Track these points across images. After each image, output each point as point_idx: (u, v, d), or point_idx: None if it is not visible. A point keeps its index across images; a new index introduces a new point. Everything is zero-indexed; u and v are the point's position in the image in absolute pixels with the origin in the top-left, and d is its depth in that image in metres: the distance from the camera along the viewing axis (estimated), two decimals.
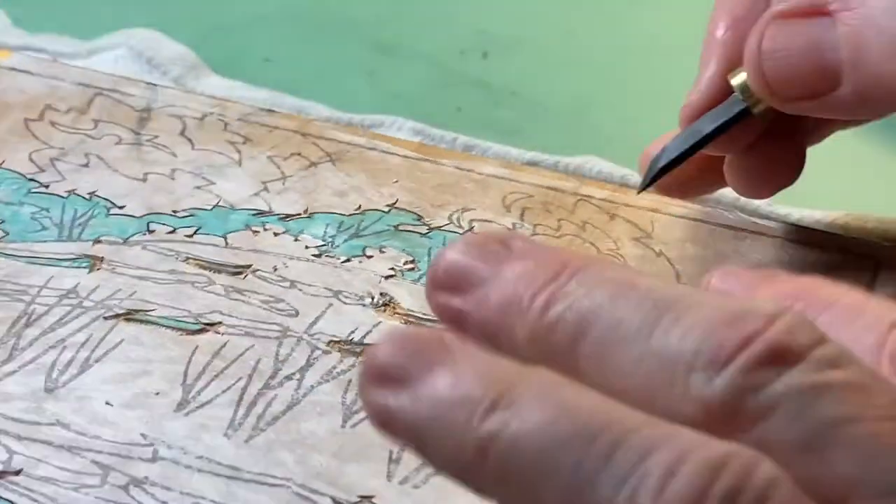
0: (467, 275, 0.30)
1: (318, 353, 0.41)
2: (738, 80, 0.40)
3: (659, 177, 0.42)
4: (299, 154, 0.50)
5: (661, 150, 0.42)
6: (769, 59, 0.39)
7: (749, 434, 0.23)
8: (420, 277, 0.44)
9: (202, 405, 0.39)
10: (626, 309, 0.26)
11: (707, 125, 0.41)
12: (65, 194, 0.47)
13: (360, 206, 0.47)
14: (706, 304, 0.25)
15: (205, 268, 0.44)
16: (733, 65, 0.41)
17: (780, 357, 0.24)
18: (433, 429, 0.26)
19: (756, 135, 0.42)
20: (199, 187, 0.48)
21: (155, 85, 0.54)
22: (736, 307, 0.25)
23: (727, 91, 0.41)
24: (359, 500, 0.36)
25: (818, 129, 0.44)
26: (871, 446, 0.23)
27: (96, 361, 0.40)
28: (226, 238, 0.46)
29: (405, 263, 0.45)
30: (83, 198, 0.47)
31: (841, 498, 0.23)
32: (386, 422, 0.28)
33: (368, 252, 0.45)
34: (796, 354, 0.24)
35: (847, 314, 0.29)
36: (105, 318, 0.42)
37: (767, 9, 0.41)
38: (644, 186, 0.42)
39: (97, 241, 0.45)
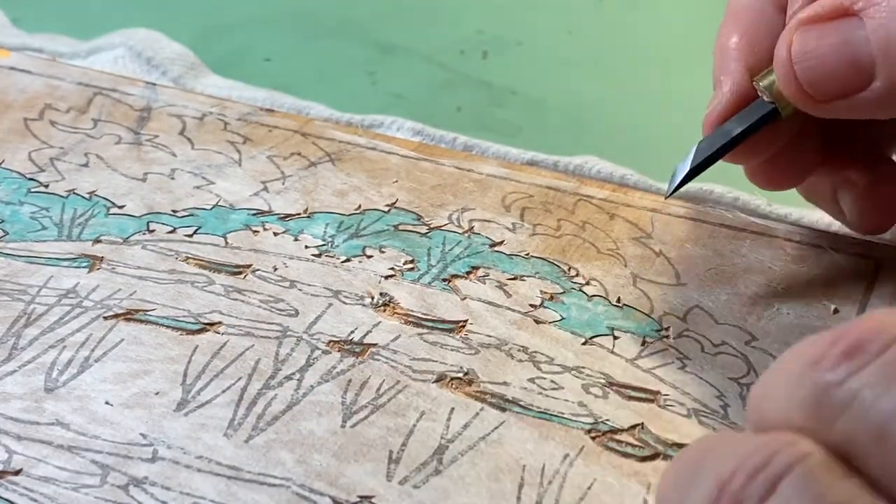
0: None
1: (317, 352, 0.41)
2: (765, 81, 0.41)
3: (687, 180, 0.42)
4: (299, 154, 0.50)
5: (690, 152, 0.42)
6: (801, 63, 0.40)
7: None
8: (420, 277, 0.44)
9: (202, 405, 0.39)
10: None
11: (736, 126, 0.41)
12: (64, 194, 0.47)
13: (359, 206, 0.47)
14: None
15: (205, 267, 0.44)
16: (753, 71, 0.42)
17: None
18: None
19: (784, 142, 0.42)
20: (198, 187, 0.48)
21: (154, 84, 0.54)
22: None
23: (749, 96, 0.42)
24: (359, 500, 0.36)
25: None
26: None
27: (96, 361, 0.40)
28: (226, 238, 0.46)
29: (405, 263, 0.45)
30: (83, 197, 0.47)
31: None
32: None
33: (368, 252, 0.45)
34: None
35: None
36: (105, 318, 0.42)
37: (774, 16, 0.42)
38: (673, 190, 0.42)
39: (97, 241, 0.45)
